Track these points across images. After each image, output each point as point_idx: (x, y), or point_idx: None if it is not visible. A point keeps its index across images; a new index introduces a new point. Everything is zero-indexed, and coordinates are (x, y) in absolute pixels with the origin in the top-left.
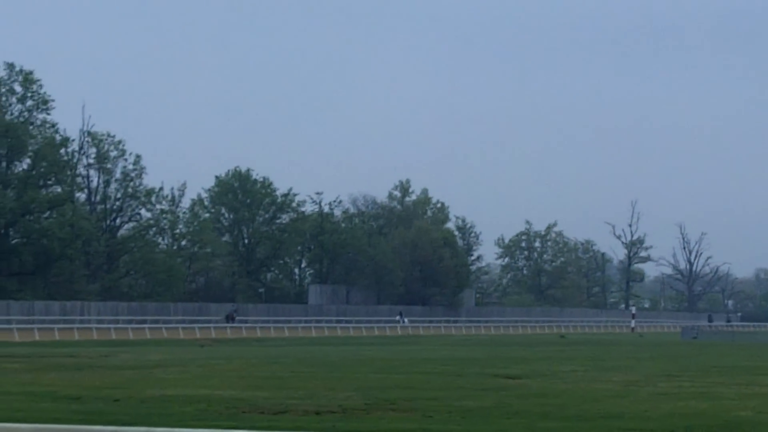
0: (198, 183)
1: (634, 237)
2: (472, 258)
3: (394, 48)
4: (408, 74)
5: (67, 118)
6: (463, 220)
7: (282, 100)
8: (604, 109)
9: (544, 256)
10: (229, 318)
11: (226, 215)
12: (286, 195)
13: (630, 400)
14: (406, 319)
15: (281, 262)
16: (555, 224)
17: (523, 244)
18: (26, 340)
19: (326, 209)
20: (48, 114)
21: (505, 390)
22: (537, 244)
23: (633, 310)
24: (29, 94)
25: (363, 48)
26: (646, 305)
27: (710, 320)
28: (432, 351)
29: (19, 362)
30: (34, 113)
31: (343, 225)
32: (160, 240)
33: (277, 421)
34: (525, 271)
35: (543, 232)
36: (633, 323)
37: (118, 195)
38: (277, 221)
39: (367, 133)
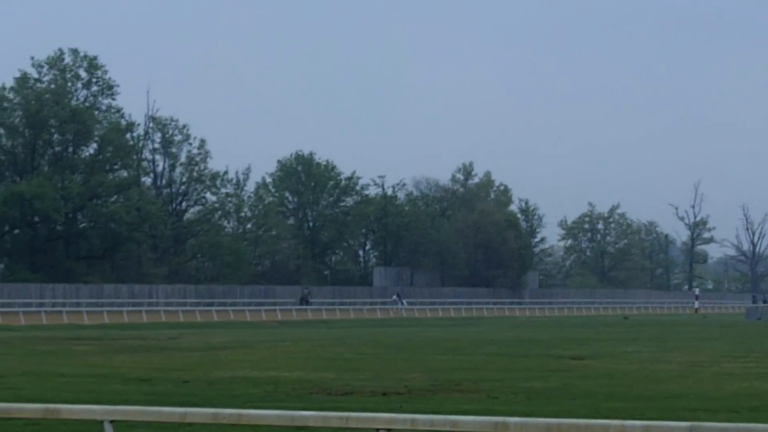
0: (262, 167)
1: (697, 218)
2: (536, 240)
3: (456, 31)
4: (470, 57)
5: (132, 103)
6: (526, 203)
7: (344, 84)
8: (666, 90)
9: (607, 237)
10: (303, 300)
11: (290, 199)
12: (349, 178)
13: (694, 381)
14: (405, 301)
15: (346, 244)
16: (618, 206)
17: (586, 226)
18: (95, 323)
19: (389, 192)
20: (113, 99)
21: (569, 371)
22: (600, 226)
23: (696, 291)
24: (94, 80)
25: (425, 31)
26: (710, 286)
27: (765, 301)
28: (496, 332)
29: (89, 345)
30: (100, 98)
31: (406, 208)
32: (225, 223)
33: (344, 402)
34: (588, 253)
35: (606, 214)
36: (696, 304)
37: (184, 179)
38: (341, 204)
39: (430, 116)
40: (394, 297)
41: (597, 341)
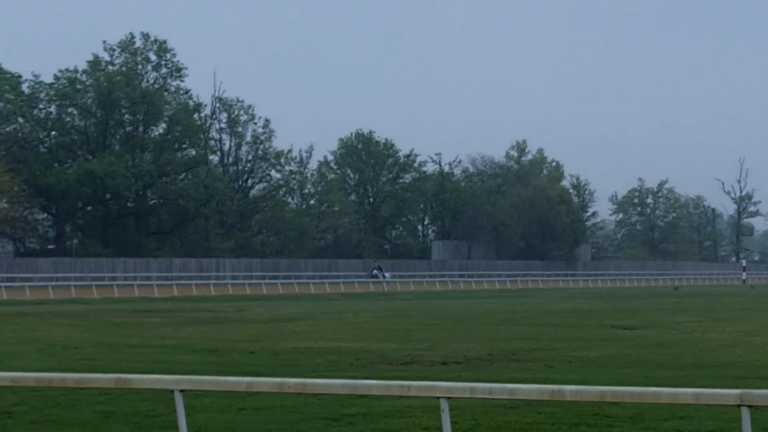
0: (324, 145)
1: (743, 193)
2: (587, 214)
3: (510, 9)
4: (524, 36)
5: (199, 85)
6: (578, 178)
7: (403, 64)
8: (711, 67)
9: (657, 211)
10: (374, 273)
11: (351, 175)
12: (408, 156)
13: (743, 350)
14: (387, 274)
15: (405, 219)
16: (666, 181)
17: (636, 201)
18: (165, 296)
19: (446, 169)
20: (181, 81)
21: (622, 340)
22: (649, 201)
23: (743, 263)
24: (163, 63)
25: (481, 10)
26: (756, 258)
27: None
28: (551, 304)
29: (160, 317)
30: (169, 80)
31: (462, 184)
32: (289, 199)
33: (404, 371)
34: (638, 227)
35: (655, 189)
36: (744, 275)
37: (249, 157)
38: (400, 181)
39: (485, 95)
40: (374, 271)
41: (648, 311)
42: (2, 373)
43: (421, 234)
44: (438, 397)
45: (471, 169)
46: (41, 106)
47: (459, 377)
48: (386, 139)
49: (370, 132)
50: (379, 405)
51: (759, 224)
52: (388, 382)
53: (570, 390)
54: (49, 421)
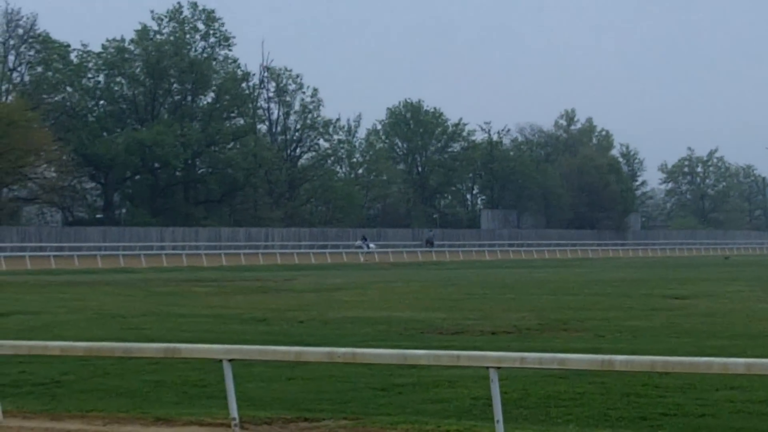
0: (372, 114)
1: None
2: (637, 183)
3: None
4: (572, 4)
5: (247, 54)
6: (627, 147)
7: (450, 32)
8: (765, 34)
9: (707, 180)
10: (428, 242)
11: (400, 144)
12: (456, 125)
13: None
14: (372, 244)
15: (454, 188)
16: (716, 150)
17: (686, 170)
18: (214, 265)
19: (495, 138)
20: (230, 50)
21: (672, 310)
22: (699, 170)
23: None
24: (212, 32)
25: None
26: None
27: None
28: (601, 273)
29: (208, 286)
30: (217, 50)
31: (511, 153)
32: (338, 169)
33: (454, 341)
34: (688, 196)
35: (705, 158)
36: None
37: (298, 126)
38: (449, 150)
39: (534, 63)
40: (359, 242)
41: (699, 281)
42: (51, 343)
43: (469, 203)
44: (487, 367)
45: (520, 138)
46: (90, 76)
47: (508, 347)
48: (435, 108)
49: (419, 101)
50: (428, 375)
51: None
52: (437, 352)
53: (620, 360)
54: (97, 391)
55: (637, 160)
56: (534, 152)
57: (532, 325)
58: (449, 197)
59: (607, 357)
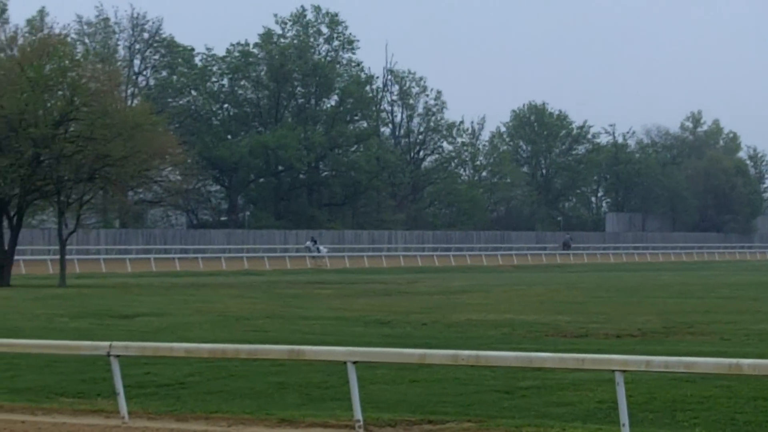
0: (496, 116)
1: None
2: (765, 186)
3: None
4: (696, 4)
5: (371, 57)
6: (755, 150)
7: (573, 33)
8: None
9: None
10: (565, 245)
11: (524, 147)
12: (581, 127)
13: None
14: (322, 248)
15: (578, 191)
16: None
17: None
18: (337, 267)
19: (620, 140)
20: (353, 53)
21: None
22: None
23: None
24: (335, 35)
25: None
26: None
27: None
28: (727, 276)
29: (331, 288)
30: (340, 53)
31: (637, 155)
32: (461, 171)
33: (578, 344)
34: None
35: None
36: None
37: (421, 129)
38: (573, 152)
39: (659, 64)
40: (308, 243)
41: None
42: (176, 344)
43: (594, 206)
44: (613, 370)
45: (645, 140)
46: (214, 79)
47: (634, 350)
48: (559, 111)
49: (543, 103)
50: (552, 377)
51: None
52: (562, 355)
53: (748, 364)
54: (222, 392)
55: (764, 163)
56: (660, 154)
57: (657, 329)
58: (574, 200)
59: (734, 361)
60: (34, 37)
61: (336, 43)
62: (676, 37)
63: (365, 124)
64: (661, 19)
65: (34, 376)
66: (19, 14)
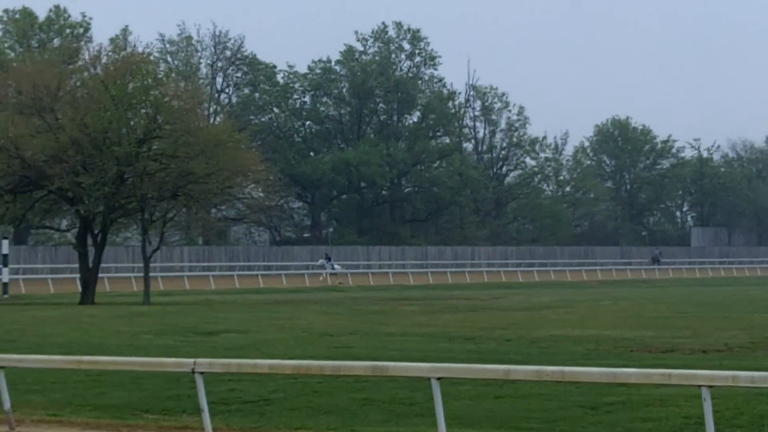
0: (579, 131)
1: None
2: None
3: None
4: None
5: (453, 73)
6: None
7: (656, 49)
8: None
9: None
10: (655, 260)
11: (608, 162)
12: (665, 142)
13: None
14: (336, 265)
15: (663, 206)
16: None
17: None
18: (420, 284)
19: (705, 154)
20: (435, 69)
21: None
22: None
23: None
24: (417, 51)
25: None
26: None
27: None
28: None
29: (415, 304)
30: (422, 69)
31: (722, 169)
32: (544, 186)
33: (664, 359)
34: None
35: None
36: None
37: (504, 144)
38: (657, 167)
39: (743, 78)
40: (321, 261)
41: None
42: (260, 361)
43: (679, 220)
44: (699, 386)
45: (731, 154)
46: (296, 96)
47: (721, 365)
48: (643, 125)
49: (627, 118)
50: (638, 393)
51: None
52: (648, 371)
53: None
54: (306, 408)
55: None
56: (745, 168)
57: (744, 343)
58: (658, 215)
59: None
60: (117, 56)
61: (418, 59)
62: (761, 49)
63: (447, 140)
64: (744, 33)
65: (120, 393)
66: (102, 33)
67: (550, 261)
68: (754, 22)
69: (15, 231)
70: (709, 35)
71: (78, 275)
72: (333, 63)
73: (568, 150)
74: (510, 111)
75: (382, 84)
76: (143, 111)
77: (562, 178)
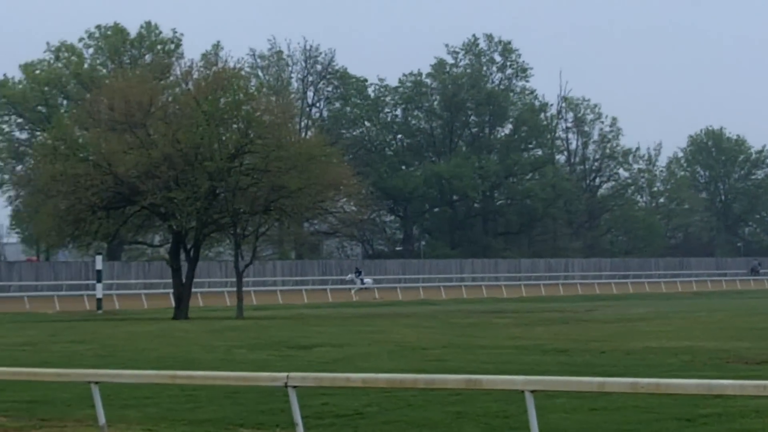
0: (673, 142)
1: None
2: None
3: None
4: None
5: (545, 85)
6: None
7: (749, 59)
8: None
9: None
10: (754, 271)
11: (702, 173)
12: (759, 152)
13: None
14: (367, 279)
15: (758, 216)
16: None
17: None
18: (513, 296)
19: None
20: (527, 81)
21: None
22: None
23: None
24: (508, 63)
25: None
26: None
27: None
28: None
29: (509, 317)
30: (514, 81)
31: None
32: (638, 198)
33: (760, 370)
34: None
35: None
36: None
37: (596, 156)
38: (752, 177)
39: None
40: (351, 275)
41: None
42: (354, 375)
43: None
44: None
45: None
46: (387, 110)
47: None
48: (737, 135)
49: (721, 128)
50: (734, 405)
51: None
52: (743, 382)
53: None
54: (400, 422)
55: None
56: None
57: None
58: (754, 225)
59: None
60: (208, 71)
61: (509, 71)
62: None
63: (540, 152)
64: None
65: (214, 407)
66: (193, 49)
67: (645, 272)
68: None
69: (108, 247)
70: None
71: (171, 290)
72: (424, 76)
73: (662, 161)
74: (602, 122)
75: (474, 96)
76: (235, 126)
77: (655, 189)
